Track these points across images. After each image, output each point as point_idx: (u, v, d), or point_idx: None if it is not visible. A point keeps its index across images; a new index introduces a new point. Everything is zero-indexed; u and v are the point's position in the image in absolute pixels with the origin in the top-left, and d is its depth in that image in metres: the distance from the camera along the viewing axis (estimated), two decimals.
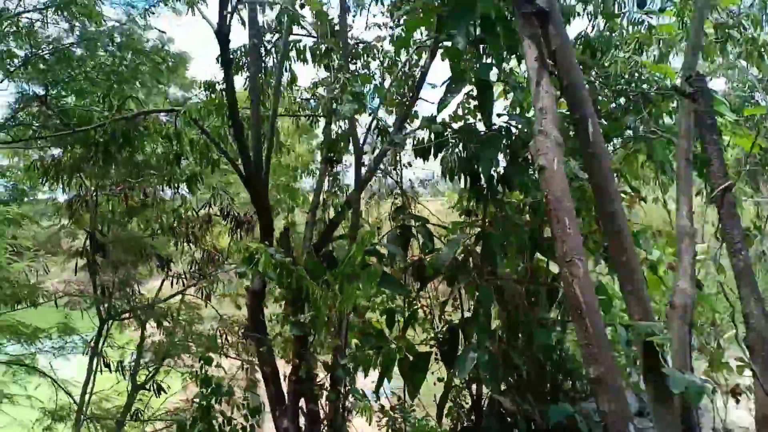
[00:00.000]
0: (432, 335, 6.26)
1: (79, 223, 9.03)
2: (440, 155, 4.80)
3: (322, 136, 6.63)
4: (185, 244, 9.41)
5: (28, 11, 6.34)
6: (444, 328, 6.27)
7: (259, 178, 4.95)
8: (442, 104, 4.96)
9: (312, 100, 6.41)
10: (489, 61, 4.79)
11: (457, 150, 4.57)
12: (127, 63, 6.72)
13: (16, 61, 6.78)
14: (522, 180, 4.76)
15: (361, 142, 5.24)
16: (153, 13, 6.50)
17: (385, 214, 6.74)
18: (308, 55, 6.19)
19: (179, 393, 9.58)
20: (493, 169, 4.69)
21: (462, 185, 6.23)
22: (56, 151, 7.90)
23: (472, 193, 5.01)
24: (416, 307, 6.24)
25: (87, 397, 8.49)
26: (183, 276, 9.21)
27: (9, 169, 9.97)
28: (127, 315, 8.80)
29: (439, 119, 5.18)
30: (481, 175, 4.67)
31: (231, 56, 4.66)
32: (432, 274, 5.84)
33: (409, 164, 6.48)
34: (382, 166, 5.75)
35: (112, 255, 8.38)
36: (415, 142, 4.72)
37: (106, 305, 8.29)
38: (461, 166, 4.65)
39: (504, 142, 4.61)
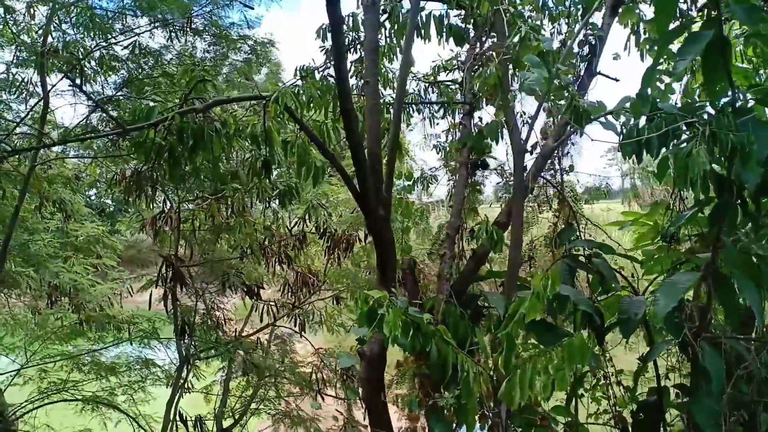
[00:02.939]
0: (612, 411, 4.49)
1: (164, 242, 8.06)
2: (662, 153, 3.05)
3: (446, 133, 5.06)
4: (277, 265, 8.18)
5: None
6: (632, 403, 4.48)
7: (378, 194, 3.45)
8: (647, 77, 3.27)
9: (442, 85, 4.87)
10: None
11: (696, 144, 2.80)
12: (209, 51, 5.52)
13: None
14: None
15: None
16: None
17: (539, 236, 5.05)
18: (432, 29, 4.64)
19: None
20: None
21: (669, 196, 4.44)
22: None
23: (717, 209, 3.23)
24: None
25: None
26: (275, 304, 7.93)
27: (95, 183, 9.24)
28: (210, 353, 7.62)
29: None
30: (741, 182, 2.89)
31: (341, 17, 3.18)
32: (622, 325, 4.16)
33: (571, 168, 4.76)
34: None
35: (195, 282, 7.22)
36: (621, 133, 3.02)
37: (186, 343, 7.13)
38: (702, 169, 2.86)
39: None
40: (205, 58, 5.52)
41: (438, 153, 5.64)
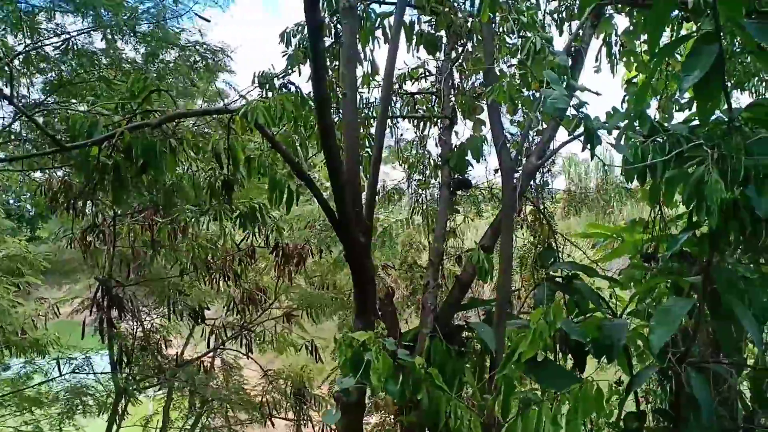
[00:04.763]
0: None
1: (97, 258, 7.35)
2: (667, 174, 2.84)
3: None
4: (222, 282, 7.63)
5: None
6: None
7: (359, 219, 3.09)
8: (642, 93, 3.12)
9: (415, 96, 4.55)
10: None
11: (708, 170, 2.60)
12: (155, 58, 4.99)
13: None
14: None
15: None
16: None
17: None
18: (402, 35, 4.33)
19: None
20: None
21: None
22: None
23: (718, 234, 3.06)
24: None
25: None
26: (221, 325, 7.38)
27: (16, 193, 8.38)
28: (149, 383, 6.99)
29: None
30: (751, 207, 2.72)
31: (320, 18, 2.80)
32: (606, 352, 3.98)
33: (546, 184, 4.56)
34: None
35: (132, 304, 6.59)
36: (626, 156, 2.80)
37: (123, 374, 6.48)
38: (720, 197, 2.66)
39: None
40: (152, 64, 4.98)
41: (402, 165, 5.33)
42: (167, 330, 7.61)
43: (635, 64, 4.49)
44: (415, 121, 5.00)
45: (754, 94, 5.23)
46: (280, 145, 2.98)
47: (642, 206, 6.88)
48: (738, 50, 3.65)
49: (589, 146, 2.66)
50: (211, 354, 8.06)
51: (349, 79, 3.20)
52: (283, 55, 4.31)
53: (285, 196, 2.99)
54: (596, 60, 4.80)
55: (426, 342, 3.15)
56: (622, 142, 2.87)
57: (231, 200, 3.27)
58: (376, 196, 5.39)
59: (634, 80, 4.58)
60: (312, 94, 2.89)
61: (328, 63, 3.81)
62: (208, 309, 7.48)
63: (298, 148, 3.29)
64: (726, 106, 3.07)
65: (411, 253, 5.37)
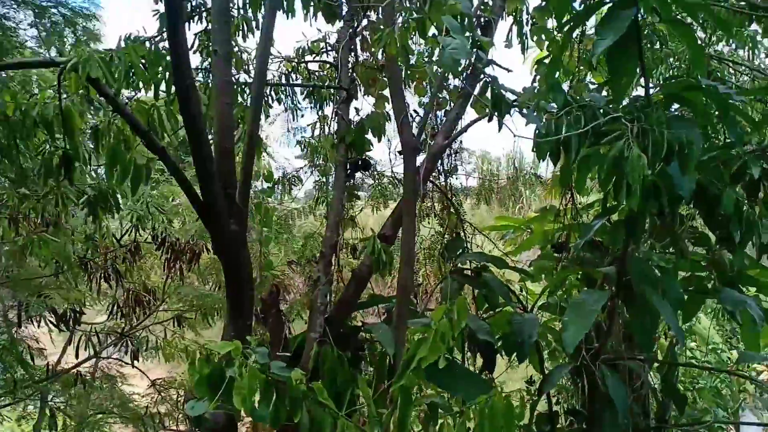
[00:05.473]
0: None
1: None
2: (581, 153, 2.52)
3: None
4: (104, 282, 6.79)
5: None
6: None
7: (230, 203, 2.54)
8: (554, 64, 2.81)
9: (311, 68, 4.03)
10: None
11: (628, 145, 2.29)
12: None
13: None
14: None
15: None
16: None
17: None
18: (298, 2, 3.82)
19: None
20: None
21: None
22: None
23: (634, 219, 2.77)
24: None
25: None
26: (95, 334, 6.54)
27: None
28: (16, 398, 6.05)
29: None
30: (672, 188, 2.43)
31: None
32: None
33: (455, 169, 4.20)
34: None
35: None
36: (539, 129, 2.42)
37: None
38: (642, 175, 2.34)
39: None
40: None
41: (303, 150, 4.81)
42: (36, 338, 6.66)
43: (547, 43, 4.22)
44: (314, 100, 4.51)
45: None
46: (125, 108, 2.38)
47: (552, 200, 6.73)
48: (651, 21, 3.43)
49: (496, 115, 2.27)
50: (90, 363, 7.17)
51: (221, 34, 2.64)
52: (155, 15, 3.67)
53: (130, 172, 2.41)
54: (507, 37, 4.51)
55: (314, 348, 2.66)
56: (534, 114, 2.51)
57: (71, 180, 2.63)
58: (271, 182, 4.86)
59: (546, 60, 4.31)
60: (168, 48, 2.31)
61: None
62: (83, 313, 6.59)
63: (165, 119, 2.69)
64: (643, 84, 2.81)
65: (310, 244, 4.86)
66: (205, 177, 2.44)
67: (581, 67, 4.41)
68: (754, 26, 4.25)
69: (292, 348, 2.92)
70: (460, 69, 2.11)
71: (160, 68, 2.46)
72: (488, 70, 2.82)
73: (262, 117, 4.76)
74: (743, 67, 4.48)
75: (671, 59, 4.65)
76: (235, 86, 3.06)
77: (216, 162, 2.60)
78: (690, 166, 2.30)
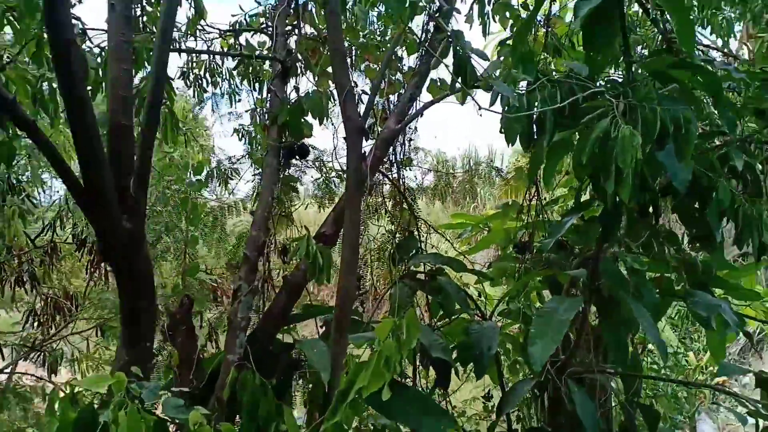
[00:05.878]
0: None
1: None
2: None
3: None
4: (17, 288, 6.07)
5: None
6: None
7: (124, 195, 2.00)
8: (523, 31, 2.45)
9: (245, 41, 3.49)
10: None
11: (615, 123, 1.89)
12: None
13: None
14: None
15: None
16: None
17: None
18: None
19: None
20: None
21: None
22: None
23: (608, 216, 2.37)
24: None
25: None
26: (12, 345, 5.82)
27: None
28: None
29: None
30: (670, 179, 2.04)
31: None
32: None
33: (410, 160, 3.74)
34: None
35: None
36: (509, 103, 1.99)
37: None
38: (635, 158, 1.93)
39: None
40: None
41: (241, 139, 4.28)
42: None
43: (511, 22, 3.83)
44: (252, 80, 3.99)
45: None
46: None
47: (509, 198, 6.38)
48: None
49: (460, 82, 1.82)
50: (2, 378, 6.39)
51: None
52: None
53: None
54: (467, 19, 4.09)
55: (231, 374, 2.14)
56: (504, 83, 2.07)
57: None
58: (203, 174, 4.28)
59: (509, 41, 3.91)
60: None
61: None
62: None
63: (43, 85, 2.12)
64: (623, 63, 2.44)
65: (243, 245, 4.31)
66: (89, 158, 1.89)
67: (546, 55, 4.05)
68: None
69: (208, 372, 2.40)
70: (409, 15, 1.65)
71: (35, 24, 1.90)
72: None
73: (194, 100, 4.21)
74: (717, 52, 4.23)
75: (639, 47, 4.34)
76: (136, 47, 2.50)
77: (109, 141, 2.06)
78: (687, 150, 1.91)
